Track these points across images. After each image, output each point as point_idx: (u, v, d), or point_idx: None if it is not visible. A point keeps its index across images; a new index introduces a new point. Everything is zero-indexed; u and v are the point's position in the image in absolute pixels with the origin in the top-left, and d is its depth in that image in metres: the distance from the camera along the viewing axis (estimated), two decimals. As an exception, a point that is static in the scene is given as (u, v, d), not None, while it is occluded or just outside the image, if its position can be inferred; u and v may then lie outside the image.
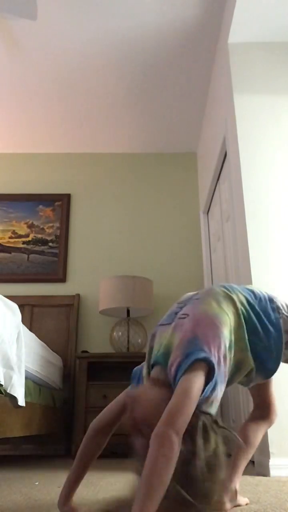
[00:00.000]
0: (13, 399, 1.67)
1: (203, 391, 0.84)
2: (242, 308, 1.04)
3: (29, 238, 3.81)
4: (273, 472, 1.78)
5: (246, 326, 1.02)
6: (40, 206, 3.92)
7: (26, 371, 1.92)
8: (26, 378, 1.91)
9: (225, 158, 2.92)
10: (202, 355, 0.86)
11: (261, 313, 1.07)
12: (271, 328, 1.06)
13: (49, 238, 3.80)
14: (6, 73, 3.17)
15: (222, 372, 0.90)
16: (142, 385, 0.97)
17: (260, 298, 1.11)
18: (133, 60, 3.06)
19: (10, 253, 3.76)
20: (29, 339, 2.11)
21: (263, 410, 1.23)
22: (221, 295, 1.04)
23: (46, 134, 3.88)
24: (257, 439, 1.19)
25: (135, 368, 1.06)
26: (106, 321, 3.47)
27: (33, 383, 2.15)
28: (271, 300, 1.13)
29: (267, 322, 1.06)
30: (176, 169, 4.07)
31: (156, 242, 3.79)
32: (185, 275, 3.63)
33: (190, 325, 0.94)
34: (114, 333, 3.25)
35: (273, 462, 1.80)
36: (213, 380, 0.86)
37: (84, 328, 3.48)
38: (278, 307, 1.11)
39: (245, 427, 1.21)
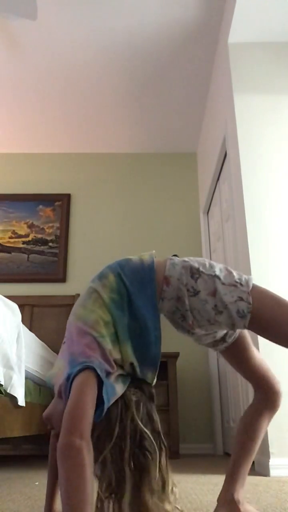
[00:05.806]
0: (13, 399, 1.67)
1: (100, 398, 0.78)
2: (109, 295, 0.91)
3: (29, 238, 3.81)
4: (273, 472, 1.78)
5: (118, 311, 0.89)
6: (40, 206, 3.92)
7: (26, 371, 1.92)
8: (26, 378, 1.91)
9: (225, 158, 2.92)
10: (77, 368, 0.79)
11: (132, 288, 0.91)
12: (145, 309, 0.90)
13: (49, 238, 3.80)
14: (6, 73, 3.17)
15: (111, 372, 0.83)
16: (53, 400, 0.90)
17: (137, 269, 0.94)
18: (133, 60, 3.06)
19: (10, 253, 3.75)
20: (29, 339, 2.11)
21: (262, 390, 1.00)
22: (86, 294, 0.94)
23: (46, 134, 3.88)
24: (261, 432, 0.97)
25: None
26: (106, 321, 3.46)
27: (33, 383, 2.15)
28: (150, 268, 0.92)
29: (140, 303, 0.90)
30: (176, 169, 4.07)
31: (156, 242, 3.78)
32: (185, 275, 3.62)
33: (66, 347, 0.89)
34: (114, 333, 3.24)
35: (273, 462, 1.80)
36: (104, 381, 0.79)
37: (84, 328, 3.47)
38: (194, 268, 0.91)
39: (246, 417, 1.00)
